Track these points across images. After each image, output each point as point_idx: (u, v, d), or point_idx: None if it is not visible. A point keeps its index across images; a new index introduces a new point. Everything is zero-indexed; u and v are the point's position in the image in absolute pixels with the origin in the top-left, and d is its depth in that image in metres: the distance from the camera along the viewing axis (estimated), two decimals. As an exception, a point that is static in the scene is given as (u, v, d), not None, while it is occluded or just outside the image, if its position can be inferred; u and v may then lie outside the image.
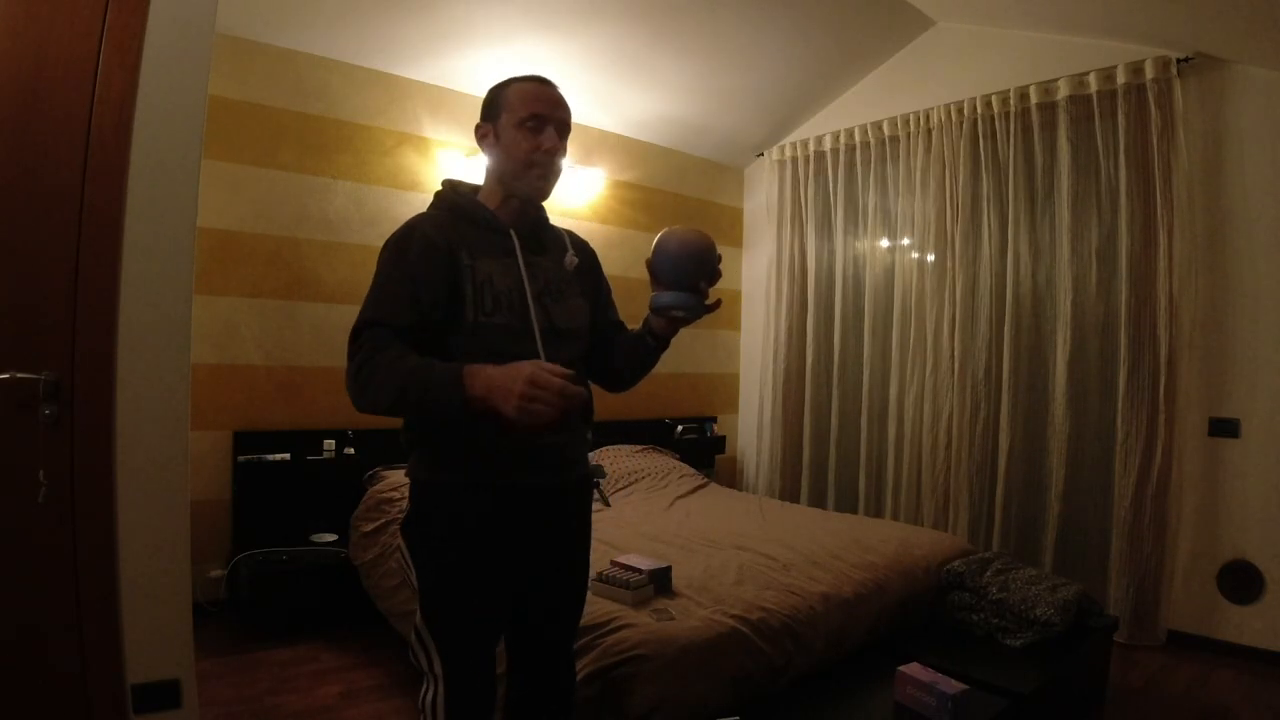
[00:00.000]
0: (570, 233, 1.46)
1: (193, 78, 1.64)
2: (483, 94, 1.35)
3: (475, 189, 1.37)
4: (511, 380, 1.05)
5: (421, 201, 3.37)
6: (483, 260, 1.26)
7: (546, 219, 1.41)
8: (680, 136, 4.40)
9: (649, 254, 1.30)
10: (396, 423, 1.34)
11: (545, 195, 1.32)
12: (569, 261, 1.38)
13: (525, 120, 1.26)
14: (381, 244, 1.26)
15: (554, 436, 1.29)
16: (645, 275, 1.34)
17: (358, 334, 1.18)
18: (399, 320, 1.18)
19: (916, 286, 3.83)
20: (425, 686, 1.30)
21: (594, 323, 1.43)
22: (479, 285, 1.24)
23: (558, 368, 1.06)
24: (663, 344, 1.35)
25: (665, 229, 1.29)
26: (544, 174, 1.28)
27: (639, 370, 1.43)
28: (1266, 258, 2.86)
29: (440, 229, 1.26)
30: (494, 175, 1.34)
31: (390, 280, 1.21)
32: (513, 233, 1.31)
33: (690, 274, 1.25)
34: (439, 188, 1.38)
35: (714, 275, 1.28)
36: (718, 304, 1.30)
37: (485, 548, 1.26)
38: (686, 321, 1.30)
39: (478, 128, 1.34)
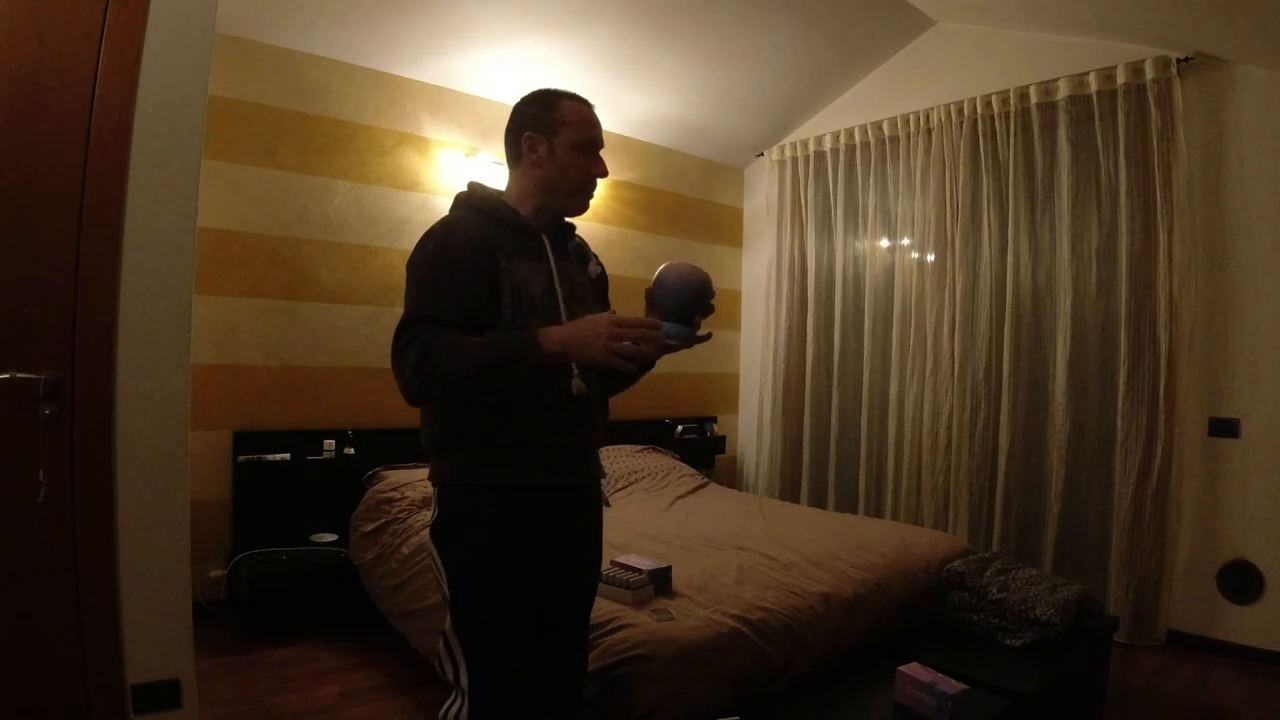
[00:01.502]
0: (583, 240, 1.51)
1: (193, 78, 1.64)
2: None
3: (500, 193, 1.39)
4: (591, 329, 1.13)
5: (421, 201, 3.40)
6: (516, 262, 1.29)
7: (571, 226, 1.45)
8: (680, 136, 4.40)
9: (650, 284, 1.35)
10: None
11: (585, 212, 1.42)
12: (593, 269, 1.46)
13: (584, 144, 1.34)
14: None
15: (581, 436, 1.35)
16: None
17: (406, 328, 1.18)
18: (448, 316, 1.19)
19: (916, 286, 3.83)
20: (451, 699, 1.29)
21: None
22: (515, 286, 1.27)
23: (633, 317, 1.15)
24: (647, 365, 1.36)
25: (666, 263, 1.35)
26: (591, 196, 1.39)
27: (618, 382, 1.47)
28: (1266, 257, 2.86)
29: (479, 230, 1.28)
30: (537, 186, 1.35)
31: (435, 278, 1.22)
32: (544, 237, 1.36)
33: (686, 307, 1.31)
34: (463, 189, 1.41)
35: (708, 309, 1.32)
36: (708, 336, 1.34)
37: (519, 549, 1.27)
38: (676, 349, 1.34)
39: (528, 137, 1.34)
